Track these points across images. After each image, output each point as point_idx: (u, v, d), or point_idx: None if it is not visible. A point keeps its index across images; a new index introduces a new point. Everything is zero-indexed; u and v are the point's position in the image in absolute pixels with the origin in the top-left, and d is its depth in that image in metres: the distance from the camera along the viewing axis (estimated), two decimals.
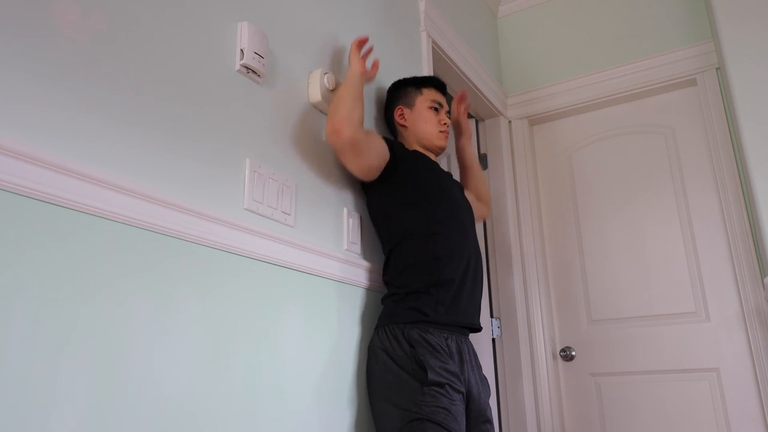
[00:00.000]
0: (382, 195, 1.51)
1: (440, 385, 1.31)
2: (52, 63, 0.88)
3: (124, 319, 0.91)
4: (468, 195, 1.88)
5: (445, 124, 1.66)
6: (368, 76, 1.51)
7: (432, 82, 1.71)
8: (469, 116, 2.76)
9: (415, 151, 1.62)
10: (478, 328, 1.52)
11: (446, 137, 1.67)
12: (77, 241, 0.87)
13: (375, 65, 1.54)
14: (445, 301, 1.42)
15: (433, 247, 1.45)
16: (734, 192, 2.25)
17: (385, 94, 1.77)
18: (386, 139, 1.54)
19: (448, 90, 2.47)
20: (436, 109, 1.67)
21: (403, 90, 1.70)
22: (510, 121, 2.78)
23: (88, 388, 0.85)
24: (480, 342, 2.39)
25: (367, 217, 1.60)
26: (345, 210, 1.51)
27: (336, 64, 1.60)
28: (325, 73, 1.48)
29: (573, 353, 2.45)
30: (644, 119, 2.55)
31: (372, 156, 1.44)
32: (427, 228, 1.47)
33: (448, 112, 1.70)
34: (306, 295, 1.31)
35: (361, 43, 1.51)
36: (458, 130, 1.99)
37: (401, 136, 1.70)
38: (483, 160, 2.73)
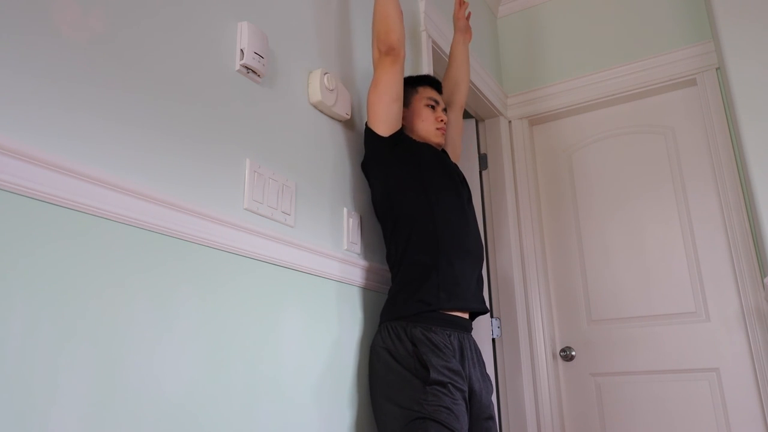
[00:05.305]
0: (384, 177, 1.52)
1: (442, 384, 1.30)
2: (52, 63, 0.88)
3: (124, 319, 0.91)
4: (445, 83, 1.92)
5: (441, 120, 1.67)
6: None
7: (427, 80, 1.72)
8: (469, 116, 2.76)
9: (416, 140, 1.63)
10: (483, 311, 1.52)
11: (443, 134, 1.68)
12: (77, 241, 0.87)
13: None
14: (447, 286, 1.42)
15: (433, 229, 1.46)
16: (734, 192, 2.25)
17: None
18: None
19: None
20: (432, 107, 1.68)
21: None
22: (510, 121, 2.78)
23: (89, 388, 0.85)
24: (480, 342, 2.39)
25: (366, 216, 1.60)
26: (345, 210, 1.51)
27: (336, 64, 1.60)
28: (325, 73, 1.48)
29: (573, 353, 2.45)
30: (644, 119, 2.55)
31: (399, 79, 1.52)
32: (429, 209, 1.47)
33: (444, 109, 1.71)
34: (306, 295, 1.31)
35: None
36: (457, 26, 2.05)
37: None
38: (483, 160, 2.73)
